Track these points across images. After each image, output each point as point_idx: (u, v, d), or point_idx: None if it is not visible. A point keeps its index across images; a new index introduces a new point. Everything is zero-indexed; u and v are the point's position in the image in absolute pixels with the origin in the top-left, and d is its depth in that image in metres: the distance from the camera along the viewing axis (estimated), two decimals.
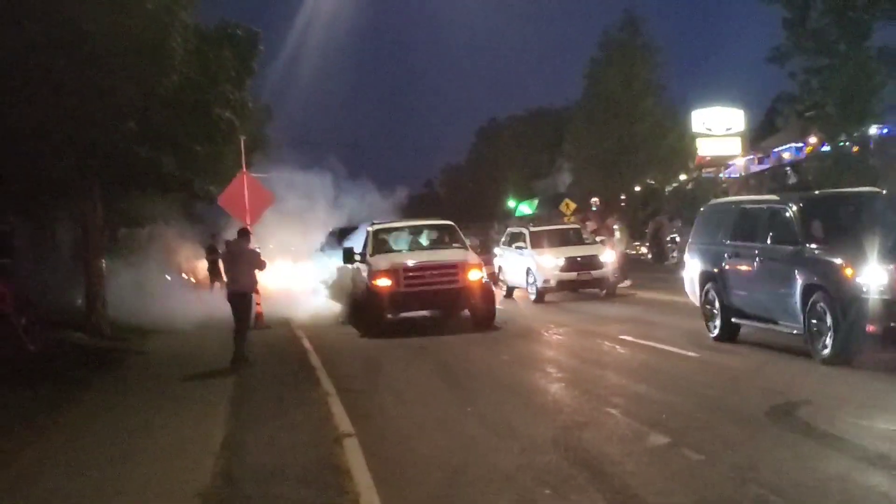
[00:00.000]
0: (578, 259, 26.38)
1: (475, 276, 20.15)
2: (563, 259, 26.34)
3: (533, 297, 26.83)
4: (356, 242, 23.61)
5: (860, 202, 14.92)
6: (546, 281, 26.21)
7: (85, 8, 14.24)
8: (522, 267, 27.59)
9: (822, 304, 12.63)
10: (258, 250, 17.87)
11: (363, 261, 21.38)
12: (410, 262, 20.57)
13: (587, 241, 28.65)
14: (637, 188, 53.67)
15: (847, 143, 35.47)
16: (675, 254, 42.05)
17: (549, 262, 26.38)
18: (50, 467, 9.34)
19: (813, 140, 39.71)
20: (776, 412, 9.99)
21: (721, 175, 49.20)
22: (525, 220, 53.04)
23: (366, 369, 15.67)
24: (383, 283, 19.95)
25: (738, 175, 48.68)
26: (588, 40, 79.25)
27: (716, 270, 15.86)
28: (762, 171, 47.81)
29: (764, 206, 15.29)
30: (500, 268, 30.55)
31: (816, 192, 18.34)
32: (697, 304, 16.77)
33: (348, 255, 21.99)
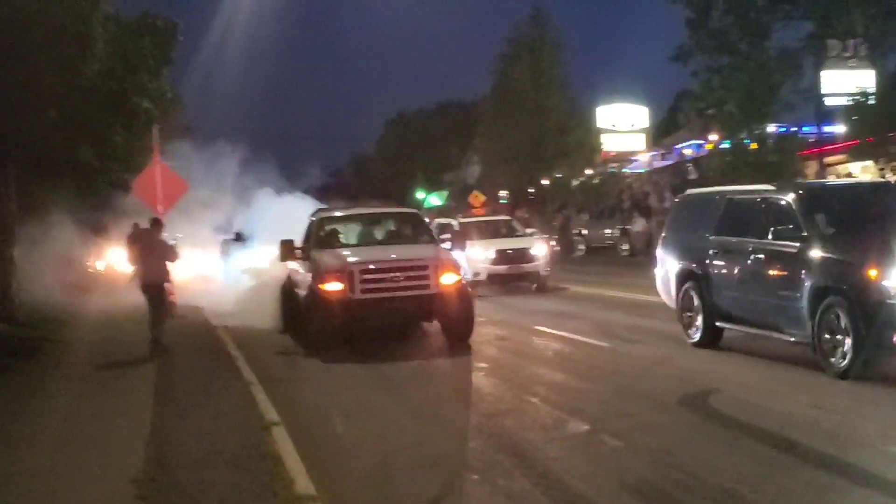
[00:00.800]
0: (510, 252, 25.51)
1: (450, 278, 15.57)
2: (494, 252, 25.39)
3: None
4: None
5: (870, 194, 13.90)
6: (476, 274, 24.53)
7: None
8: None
9: (838, 309, 10.93)
10: (171, 241, 17.81)
11: (305, 257, 16.78)
12: (368, 261, 15.77)
13: (518, 234, 27.95)
14: (545, 181, 54.24)
15: (746, 140, 36.35)
16: (581, 246, 42.77)
17: (478, 255, 24.94)
18: None
19: (713, 137, 40.58)
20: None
21: (625, 170, 50.00)
22: (433, 212, 53.31)
23: (286, 360, 15.65)
24: (333, 287, 15.19)
25: (641, 170, 49.52)
26: (497, 35, 79.69)
27: (697, 268, 13.96)
28: (665, 167, 48.73)
29: (757, 196, 13.51)
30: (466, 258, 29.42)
31: (817, 181, 18.42)
32: (671, 304, 15.01)
33: (286, 250, 17.12)
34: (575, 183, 51.04)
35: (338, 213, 19.32)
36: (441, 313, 15.71)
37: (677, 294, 14.51)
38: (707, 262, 13.74)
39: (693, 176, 42.53)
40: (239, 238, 27.41)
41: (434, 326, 16.81)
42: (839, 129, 36.31)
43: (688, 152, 46.38)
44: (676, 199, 16.76)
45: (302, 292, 16.81)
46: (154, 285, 16.39)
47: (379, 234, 18.71)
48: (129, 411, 11.23)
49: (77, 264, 29.94)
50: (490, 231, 27.53)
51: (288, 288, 18.23)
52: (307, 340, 15.75)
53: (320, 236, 17.48)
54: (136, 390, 12.62)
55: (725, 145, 38.48)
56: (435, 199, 75.43)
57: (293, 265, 17.71)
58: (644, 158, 49.99)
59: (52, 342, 18.19)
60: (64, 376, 14.25)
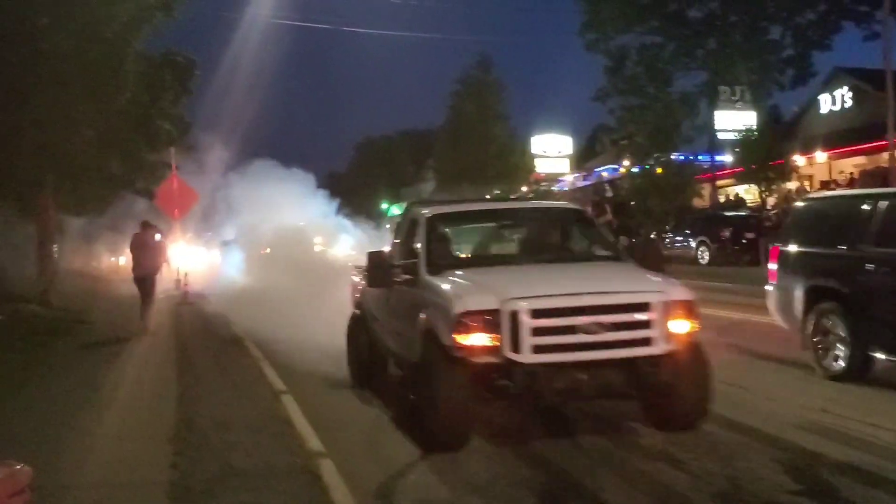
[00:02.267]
0: None
1: (683, 327, 7.18)
2: None
3: None
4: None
5: None
6: None
7: (53, 34, 13.84)
8: None
9: None
10: (161, 240, 17.66)
11: (409, 281, 8.33)
12: (543, 293, 7.10)
13: None
14: (487, 196, 54.30)
15: (653, 166, 36.81)
16: None
17: None
18: (30, 416, 9.06)
19: (626, 163, 41.07)
20: None
21: (553, 188, 50.30)
22: (395, 220, 53.21)
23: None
24: (476, 340, 6.88)
25: (566, 188, 49.84)
26: (448, 74, 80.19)
27: (841, 286, 9.11)
28: (586, 186, 49.11)
29: None
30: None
31: None
32: (790, 327, 10.14)
33: (380, 272, 8.67)
34: (512, 198, 51.15)
35: (461, 208, 9.76)
36: (665, 384, 7.14)
37: (806, 316, 9.64)
38: (859, 278, 8.96)
39: (609, 194, 42.92)
40: (229, 241, 27.30)
41: None
42: (728, 158, 36.93)
43: (605, 175, 46.86)
44: (799, 204, 11.71)
45: (400, 344, 8.56)
46: (144, 278, 16.27)
47: (531, 245, 9.15)
48: (156, 380, 11.11)
49: (102, 258, 29.49)
50: None
51: (365, 325, 9.97)
52: (422, 436, 7.31)
53: (433, 248, 8.42)
54: (159, 363, 12.49)
55: (636, 170, 38.95)
56: (396, 210, 75.34)
57: (372, 290, 9.43)
58: (569, 179, 50.43)
59: (82, 323, 17.92)
60: (94, 351, 14.01)
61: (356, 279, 10.66)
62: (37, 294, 19.24)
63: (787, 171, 31.74)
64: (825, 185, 29.97)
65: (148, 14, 16.01)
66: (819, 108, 36.29)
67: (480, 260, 8.79)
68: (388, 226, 31.82)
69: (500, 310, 6.73)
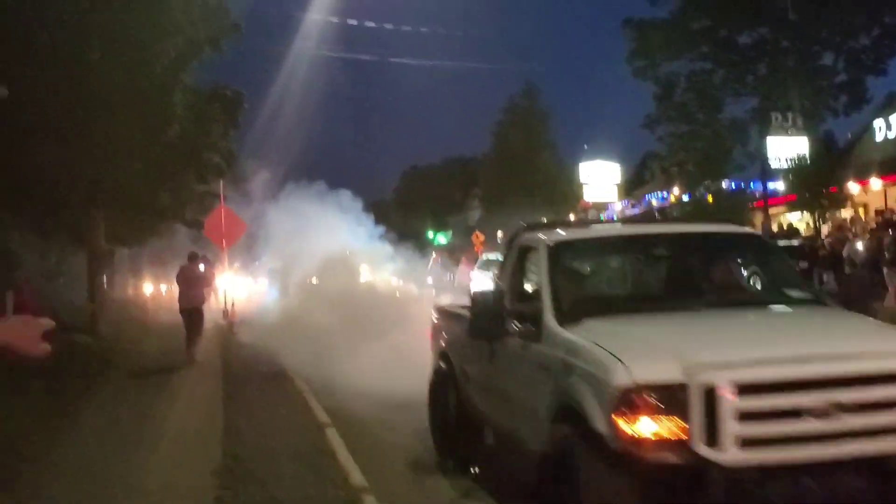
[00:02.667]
0: None
1: None
2: None
3: None
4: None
5: None
6: None
7: (105, 69, 14.27)
8: None
9: None
10: (205, 268, 17.95)
11: (537, 335, 5.80)
12: (758, 357, 4.59)
13: None
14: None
15: (703, 194, 36.61)
16: None
17: None
18: (83, 447, 9.31)
19: (676, 190, 40.89)
20: None
21: (601, 216, 50.17)
22: (441, 249, 53.47)
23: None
24: (656, 430, 4.42)
25: (614, 217, 49.68)
26: (492, 101, 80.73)
27: None
28: (634, 215, 48.91)
29: None
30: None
31: None
32: None
33: (492, 318, 6.27)
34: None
35: (597, 233, 7.63)
36: None
37: None
38: None
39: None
40: (275, 271, 27.63)
41: None
42: (780, 185, 36.56)
43: (654, 202, 46.63)
44: None
45: (512, 418, 6.46)
46: (190, 309, 16.54)
47: (700, 283, 6.56)
48: (203, 412, 11.32)
49: (149, 288, 30.05)
50: None
51: (454, 383, 7.87)
52: None
53: (562, 287, 6.06)
54: (205, 395, 12.71)
55: (686, 198, 38.76)
56: (441, 238, 75.59)
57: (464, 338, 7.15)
58: (617, 207, 50.26)
59: (130, 353, 18.27)
60: (142, 382, 14.30)
61: (439, 322, 8.77)
62: (86, 324, 19.66)
63: (841, 199, 31.32)
64: (880, 213, 29.53)
65: (197, 49, 16.44)
66: (874, 135, 35.80)
67: (632, 304, 6.15)
68: (433, 255, 31.93)
69: (688, 383, 4.40)
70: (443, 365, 8.22)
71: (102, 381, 14.04)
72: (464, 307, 7.65)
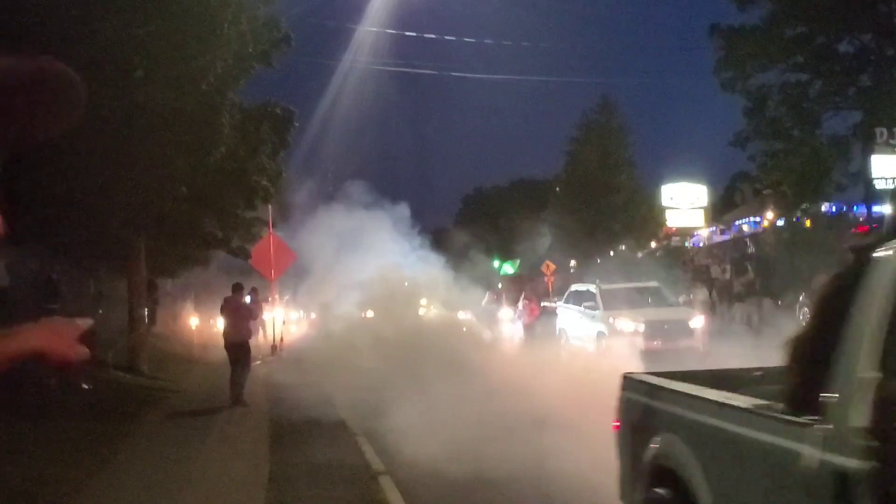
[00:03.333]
0: (665, 325, 19.62)
1: None
2: (644, 324, 19.54)
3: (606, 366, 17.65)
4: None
5: None
6: (625, 351, 18.20)
7: (146, 87, 14.50)
8: (591, 329, 21.13)
9: None
10: (252, 300, 18.08)
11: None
12: None
13: (670, 303, 22.03)
14: (611, 253, 54.03)
15: (801, 218, 35.97)
16: None
17: (627, 328, 19.66)
18: (115, 493, 9.40)
19: (770, 215, 40.21)
20: None
21: (686, 244, 49.57)
22: (508, 280, 53.17)
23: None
24: None
25: (701, 244, 49.05)
26: (564, 120, 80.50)
27: None
28: (724, 241, 48.23)
29: None
30: (560, 329, 23.80)
31: None
32: None
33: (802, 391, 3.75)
34: (640, 255, 50.74)
35: None
36: None
37: None
38: None
39: (751, 250, 42.03)
40: (328, 303, 27.92)
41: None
42: (888, 208, 35.67)
43: (745, 228, 45.88)
44: None
45: None
46: (236, 344, 16.66)
47: None
48: (247, 456, 11.35)
49: (194, 321, 30.44)
50: (636, 299, 21.35)
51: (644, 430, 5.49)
52: None
53: None
54: (251, 438, 12.76)
55: (781, 223, 38.11)
56: (508, 268, 75.35)
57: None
58: (704, 233, 49.57)
59: (171, 392, 18.49)
60: (185, 424, 14.44)
61: (645, 406, 5.63)
62: (126, 359, 19.97)
63: None
64: None
65: (245, 64, 16.67)
66: None
67: None
68: (500, 285, 31.77)
69: None
70: (664, 495, 5.06)
71: (139, 422, 14.20)
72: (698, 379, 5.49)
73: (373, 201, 27.56)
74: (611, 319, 19.98)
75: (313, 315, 32.41)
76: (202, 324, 33.70)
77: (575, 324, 22.59)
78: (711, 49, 39.99)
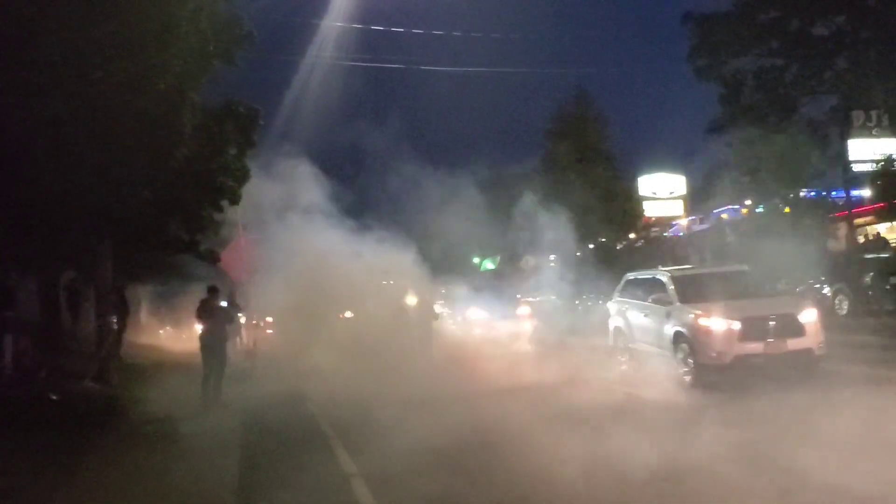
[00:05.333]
0: (768, 321, 14.62)
1: None
2: (741, 320, 14.61)
3: (688, 377, 15.05)
4: None
5: None
6: (714, 356, 14.51)
7: (104, 88, 14.32)
8: (664, 331, 16.19)
9: None
10: (228, 303, 17.98)
11: None
12: None
13: (769, 293, 17.11)
14: (591, 246, 54.04)
15: (780, 205, 36.07)
16: None
17: (718, 326, 14.68)
18: None
19: (748, 202, 40.37)
20: None
21: (665, 234, 49.69)
22: (488, 276, 53.07)
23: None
24: None
25: (681, 234, 49.20)
26: (539, 115, 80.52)
27: None
28: (703, 230, 48.39)
29: None
30: (616, 329, 19.09)
31: None
32: None
33: None
34: (619, 246, 50.80)
35: None
36: None
37: None
38: None
39: (731, 238, 42.18)
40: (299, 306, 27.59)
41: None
42: (867, 192, 35.87)
43: (724, 217, 46.07)
44: None
45: None
46: (212, 347, 16.63)
47: None
48: (216, 465, 11.20)
49: (166, 328, 30.21)
50: (721, 287, 16.34)
51: None
52: None
53: None
54: (221, 445, 12.62)
55: (759, 210, 38.23)
56: (489, 264, 75.33)
57: None
58: (683, 223, 49.75)
59: (141, 401, 18.26)
60: (152, 432, 14.24)
61: None
62: (95, 369, 19.75)
63: None
64: None
65: (206, 62, 16.50)
66: None
67: None
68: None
69: None
70: None
71: (107, 433, 13.99)
72: None
73: (349, 199, 27.33)
74: (691, 316, 15.25)
75: (290, 316, 32.10)
76: (174, 331, 33.53)
77: (638, 323, 17.88)
78: (686, 37, 40.11)
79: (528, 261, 46.81)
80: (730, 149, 41.14)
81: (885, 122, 35.59)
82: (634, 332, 17.86)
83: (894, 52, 38.04)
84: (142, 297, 31.41)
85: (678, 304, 15.91)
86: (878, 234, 35.13)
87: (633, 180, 50.59)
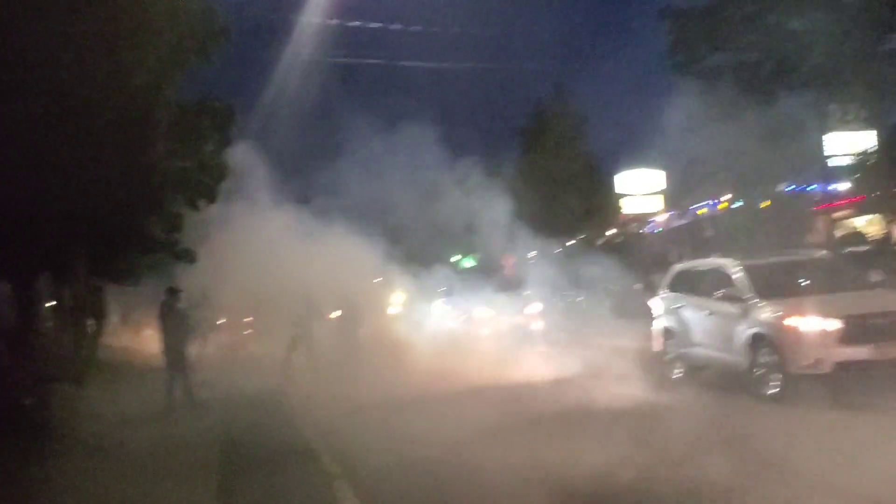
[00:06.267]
0: (873, 320, 11.98)
1: None
2: (841, 319, 11.95)
3: (774, 390, 12.41)
4: None
5: None
6: (809, 363, 11.95)
7: (76, 84, 13.97)
8: (735, 333, 13.43)
9: None
10: (193, 305, 17.82)
11: None
12: None
13: (870, 284, 13.87)
14: (570, 242, 54.00)
15: (757, 199, 36.10)
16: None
17: (812, 326, 12.06)
18: None
19: (726, 197, 40.42)
20: None
21: (642, 230, 49.69)
22: (468, 273, 52.87)
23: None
24: None
25: (659, 230, 49.16)
26: (516, 112, 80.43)
27: None
28: (682, 226, 48.40)
29: None
30: (666, 331, 16.28)
31: None
32: None
33: None
34: (599, 243, 50.76)
35: None
36: None
37: None
38: None
39: (710, 233, 42.18)
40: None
41: None
42: (845, 186, 35.98)
43: (703, 212, 46.09)
44: None
45: None
46: (173, 349, 16.43)
47: None
48: (196, 470, 10.94)
49: (144, 330, 29.87)
50: (808, 279, 14.16)
51: None
52: None
53: None
54: (201, 446, 12.39)
55: (737, 204, 38.23)
56: (469, 262, 75.22)
57: None
58: (661, 219, 49.73)
59: (117, 405, 17.92)
60: (127, 437, 13.95)
61: None
62: (70, 373, 19.38)
63: None
64: None
65: (180, 58, 16.15)
66: None
67: None
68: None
69: None
70: None
71: (80, 438, 13.69)
72: None
73: (327, 194, 27.07)
74: (776, 314, 12.57)
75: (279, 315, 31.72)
76: (151, 333, 33.14)
77: (697, 324, 15.04)
78: (661, 33, 40.00)
79: (509, 258, 46.74)
80: (708, 144, 41.18)
81: (864, 115, 35.70)
82: (692, 334, 15.03)
83: (872, 46, 38.08)
84: (118, 299, 30.92)
85: (755, 300, 13.15)
86: (855, 227, 35.25)
87: (611, 176, 50.57)
